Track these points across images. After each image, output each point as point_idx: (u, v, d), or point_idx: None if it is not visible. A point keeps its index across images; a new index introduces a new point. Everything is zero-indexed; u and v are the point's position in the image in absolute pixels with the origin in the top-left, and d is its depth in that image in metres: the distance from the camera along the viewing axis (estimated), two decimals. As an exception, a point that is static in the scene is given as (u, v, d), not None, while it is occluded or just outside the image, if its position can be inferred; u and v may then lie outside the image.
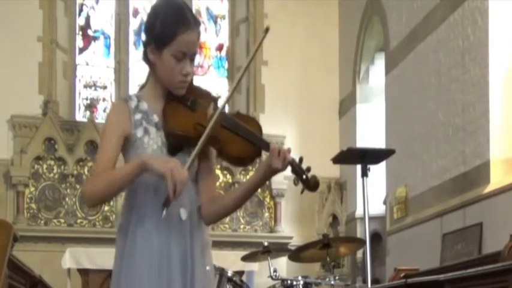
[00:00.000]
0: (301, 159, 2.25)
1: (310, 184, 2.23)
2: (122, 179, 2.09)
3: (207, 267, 2.26)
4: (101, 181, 2.09)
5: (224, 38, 10.63)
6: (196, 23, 2.22)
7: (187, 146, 2.21)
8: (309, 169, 2.25)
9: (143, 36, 2.26)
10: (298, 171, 2.23)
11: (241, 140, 2.18)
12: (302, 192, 2.29)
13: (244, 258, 5.19)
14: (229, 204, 2.28)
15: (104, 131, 2.22)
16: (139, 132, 2.18)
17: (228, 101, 2.28)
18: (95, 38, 10.18)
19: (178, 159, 2.14)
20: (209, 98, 2.27)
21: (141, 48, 2.30)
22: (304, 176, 2.23)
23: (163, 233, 2.16)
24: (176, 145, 2.20)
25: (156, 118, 2.21)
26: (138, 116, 2.20)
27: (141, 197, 2.18)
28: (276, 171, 2.18)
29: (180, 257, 2.17)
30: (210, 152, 2.29)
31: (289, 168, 2.23)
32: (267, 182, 9.76)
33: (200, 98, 2.24)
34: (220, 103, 2.25)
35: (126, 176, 2.08)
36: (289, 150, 2.21)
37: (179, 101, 2.23)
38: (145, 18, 2.32)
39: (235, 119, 2.23)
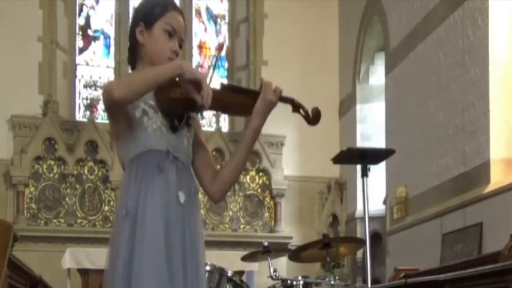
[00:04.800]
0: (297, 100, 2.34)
1: (309, 116, 2.33)
2: (160, 74, 2.06)
3: (203, 258, 2.26)
4: (135, 75, 2.05)
5: (224, 38, 10.63)
6: (182, 13, 2.31)
7: (187, 111, 2.23)
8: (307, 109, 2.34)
9: (131, 21, 2.30)
10: (296, 103, 2.33)
11: (240, 94, 2.28)
12: (308, 124, 2.37)
13: (244, 258, 5.18)
14: (236, 163, 2.32)
15: (109, 86, 2.13)
16: (137, 113, 2.18)
17: (211, 78, 2.32)
18: (95, 38, 10.19)
19: (178, 141, 2.20)
20: None
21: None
22: (304, 108, 2.32)
23: (166, 214, 2.15)
24: (177, 117, 2.22)
25: (151, 101, 2.21)
26: None
27: (147, 178, 2.16)
28: (271, 103, 2.25)
29: (181, 241, 2.16)
30: (198, 130, 2.34)
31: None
32: (269, 177, 9.87)
33: None
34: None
35: (166, 72, 2.06)
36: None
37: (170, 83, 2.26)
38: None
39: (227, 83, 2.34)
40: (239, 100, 2.25)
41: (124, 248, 2.12)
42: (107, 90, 2.03)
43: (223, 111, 2.36)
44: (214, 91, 2.13)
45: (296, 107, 2.33)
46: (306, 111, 2.33)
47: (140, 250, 2.11)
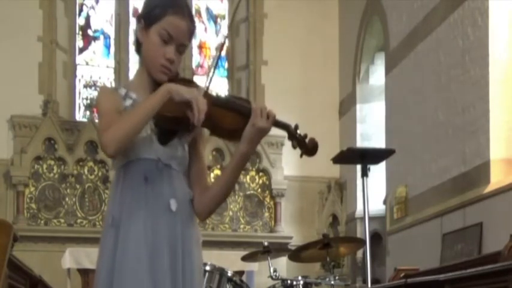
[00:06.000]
0: (296, 126, 2.20)
1: (307, 146, 2.20)
2: (150, 109, 1.98)
3: (198, 264, 2.19)
4: (125, 121, 1.98)
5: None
6: (190, 17, 2.18)
7: (179, 130, 2.15)
8: (305, 136, 2.21)
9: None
10: (292, 132, 2.17)
11: (232, 113, 2.13)
12: (301, 156, 2.24)
13: (244, 258, 5.18)
14: (222, 186, 2.20)
15: (100, 104, 2.10)
16: None
17: (211, 79, 2.25)
18: (95, 38, 10.19)
19: (170, 149, 2.12)
20: (194, 85, 2.19)
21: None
22: (299, 137, 2.18)
23: (153, 224, 2.09)
24: (168, 131, 2.14)
25: None
26: (128, 103, 2.14)
27: (132, 188, 2.10)
28: (261, 131, 2.10)
29: (170, 250, 2.09)
30: (199, 142, 2.25)
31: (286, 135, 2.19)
32: (267, 177, 9.87)
33: (185, 85, 2.17)
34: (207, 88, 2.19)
35: (155, 104, 1.99)
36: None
37: None
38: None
39: (222, 96, 2.21)
40: (228, 123, 2.11)
41: (107, 256, 2.10)
42: (102, 143, 1.99)
43: (213, 130, 2.17)
44: (209, 102, 2.05)
45: (291, 135, 2.18)
46: (300, 142, 2.19)
47: (121, 261, 2.06)
